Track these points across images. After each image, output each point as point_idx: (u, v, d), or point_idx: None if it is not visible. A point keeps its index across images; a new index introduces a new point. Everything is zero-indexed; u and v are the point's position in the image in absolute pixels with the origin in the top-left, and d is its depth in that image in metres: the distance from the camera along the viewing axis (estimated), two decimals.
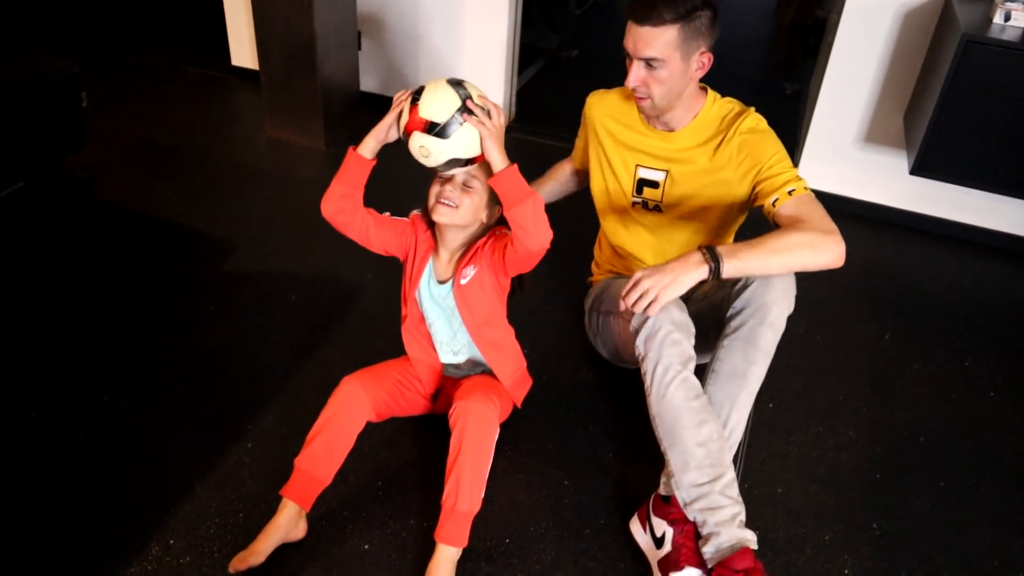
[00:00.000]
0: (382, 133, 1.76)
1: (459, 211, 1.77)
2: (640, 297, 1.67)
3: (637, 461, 2.03)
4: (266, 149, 3.49)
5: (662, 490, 1.80)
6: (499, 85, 3.62)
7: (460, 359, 1.98)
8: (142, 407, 2.13)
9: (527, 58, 4.20)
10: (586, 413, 2.18)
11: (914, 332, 2.60)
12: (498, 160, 1.66)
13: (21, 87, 2.23)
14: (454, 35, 3.57)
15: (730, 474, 1.69)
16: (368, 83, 3.81)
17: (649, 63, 1.84)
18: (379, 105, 3.79)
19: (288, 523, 1.74)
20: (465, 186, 1.77)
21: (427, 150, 1.67)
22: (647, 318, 1.72)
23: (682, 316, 1.75)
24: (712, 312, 1.90)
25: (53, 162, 2.49)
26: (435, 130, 1.64)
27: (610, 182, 2.13)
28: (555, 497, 1.93)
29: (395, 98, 1.74)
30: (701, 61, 1.87)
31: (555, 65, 4.60)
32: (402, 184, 2.43)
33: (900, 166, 3.09)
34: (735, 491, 1.68)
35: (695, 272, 1.66)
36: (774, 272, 1.74)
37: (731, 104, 2.02)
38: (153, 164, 3.31)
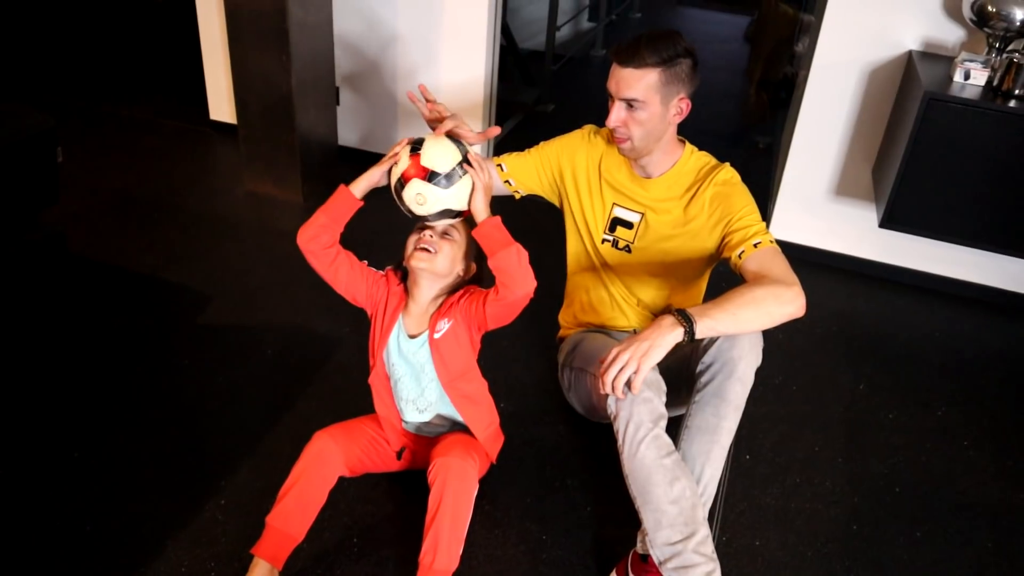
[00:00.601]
0: (375, 176, 1.80)
1: (437, 258, 1.78)
2: (621, 371, 1.65)
3: (615, 516, 2.02)
4: (243, 202, 3.50)
5: (639, 548, 1.79)
6: None
7: (426, 417, 1.96)
8: (113, 463, 2.09)
9: (504, 113, 4.26)
10: (563, 467, 2.17)
11: (888, 382, 2.63)
12: (483, 211, 1.72)
13: None
14: (432, 90, 3.60)
15: (704, 531, 1.68)
16: (346, 138, 3.84)
17: (630, 104, 1.89)
18: (357, 159, 3.83)
19: None
20: (445, 235, 1.80)
21: (424, 198, 1.70)
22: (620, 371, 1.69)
23: (653, 374, 1.75)
24: (680, 367, 1.91)
25: (27, 216, 2.49)
26: (436, 179, 1.69)
27: (587, 214, 2.14)
28: (533, 552, 1.92)
29: (393, 147, 1.79)
30: (680, 107, 1.93)
31: (532, 120, 4.67)
32: (380, 239, 2.44)
33: (870, 218, 3.15)
34: (710, 548, 1.68)
35: (670, 335, 1.66)
36: (745, 328, 1.75)
37: (707, 158, 2.07)
38: (129, 217, 3.31)
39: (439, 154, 1.71)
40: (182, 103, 4.42)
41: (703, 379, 1.81)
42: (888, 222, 2.68)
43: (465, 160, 1.73)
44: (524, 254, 1.71)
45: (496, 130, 1.97)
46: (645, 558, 1.76)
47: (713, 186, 1.99)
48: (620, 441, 1.73)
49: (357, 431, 1.93)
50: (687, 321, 1.66)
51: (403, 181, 1.71)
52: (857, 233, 3.23)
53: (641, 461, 1.70)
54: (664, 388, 1.77)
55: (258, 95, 3.33)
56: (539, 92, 4.87)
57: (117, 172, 3.67)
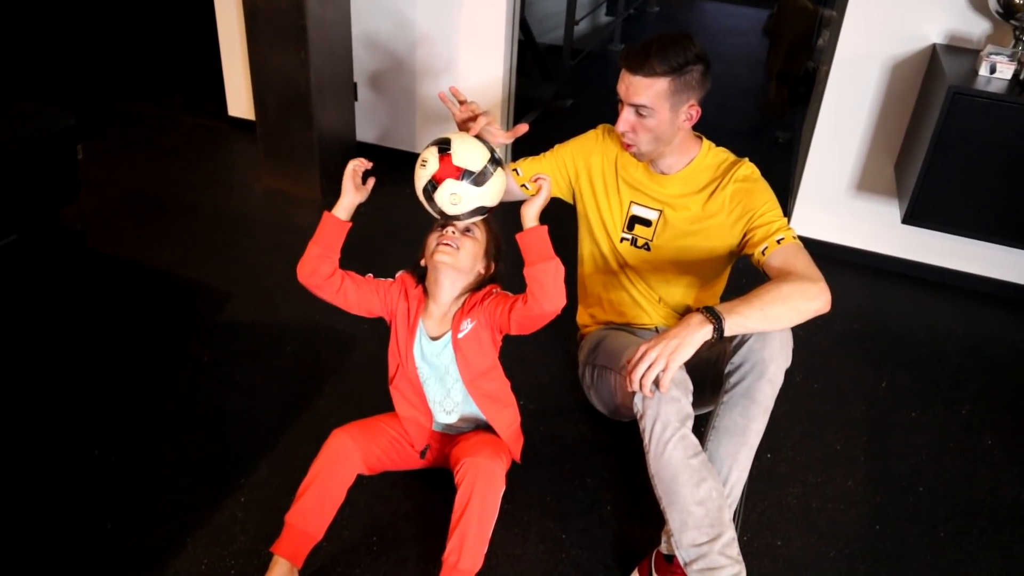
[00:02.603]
0: (351, 196, 1.81)
1: (460, 254, 1.78)
2: (649, 368, 1.63)
3: (636, 515, 2.01)
4: (262, 199, 3.51)
5: (663, 548, 1.78)
6: None
7: (452, 419, 1.96)
8: (133, 460, 2.10)
9: (522, 108, 4.25)
10: (583, 466, 2.16)
11: (910, 380, 2.60)
12: (533, 218, 1.74)
13: (17, 140, 2.24)
14: (450, 85, 3.60)
15: (730, 533, 1.67)
16: (364, 134, 3.84)
17: (639, 111, 1.87)
18: (375, 156, 3.80)
19: None
20: (467, 231, 1.80)
21: (458, 197, 1.70)
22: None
23: (680, 374, 1.73)
24: (707, 367, 1.89)
25: (48, 214, 2.50)
26: (471, 178, 1.69)
27: (604, 214, 2.13)
28: (553, 552, 1.91)
29: (351, 163, 1.80)
30: (689, 113, 1.91)
31: (550, 115, 4.65)
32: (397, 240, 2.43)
33: (892, 214, 3.12)
34: (735, 550, 1.66)
35: (699, 332, 1.64)
36: (774, 326, 1.73)
37: (725, 153, 2.05)
38: (148, 214, 3.32)
39: (470, 152, 1.71)
40: (200, 100, 4.44)
41: (732, 379, 1.79)
42: (911, 218, 2.65)
43: (494, 156, 1.74)
44: (562, 271, 1.72)
45: (524, 127, 1.97)
46: (670, 559, 1.75)
47: (733, 182, 1.97)
48: (646, 440, 1.71)
49: (376, 429, 1.93)
50: (716, 319, 1.64)
51: (435, 183, 1.70)
52: (879, 229, 3.19)
53: (668, 461, 1.69)
54: (691, 388, 1.76)
55: (276, 92, 3.33)
56: (557, 87, 4.85)
57: (135, 169, 3.69)
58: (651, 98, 1.85)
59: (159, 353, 2.50)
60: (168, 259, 2.99)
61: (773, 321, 1.71)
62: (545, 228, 1.73)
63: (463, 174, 1.69)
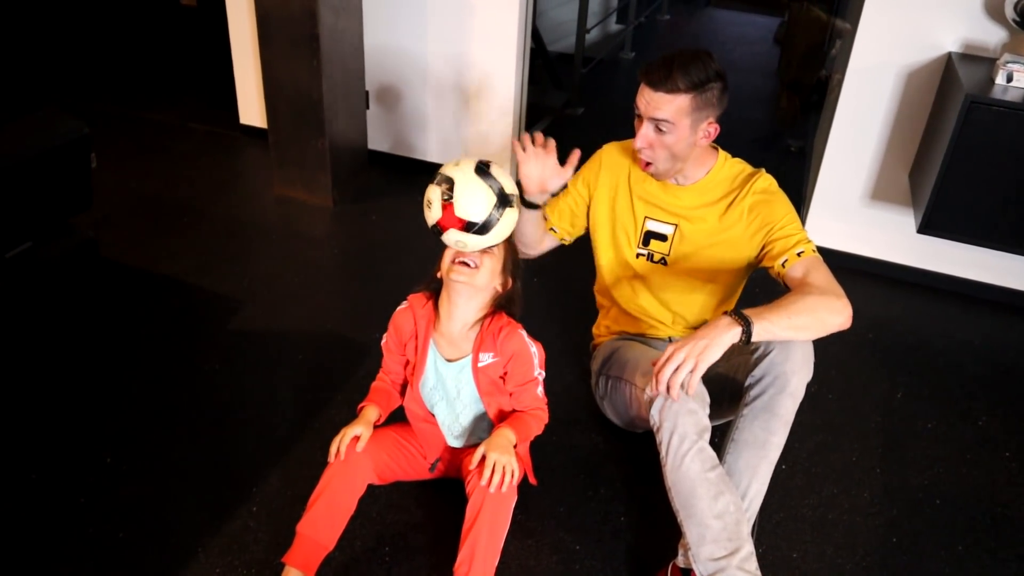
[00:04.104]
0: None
1: (479, 272, 1.74)
2: (677, 370, 1.61)
3: (651, 526, 2.00)
4: (273, 207, 3.51)
5: (680, 561, 1.77)
6: (506, 143, 3.65)
7: (460, 443, 1.96)
8: (145, 468, 2.10)
9: (533, 116, 4.25)
10: (597, 476, 2.14)
11: (926, 391, 2.57)
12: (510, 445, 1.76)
13: (31, 148, 2.25)
14: (462, 93, 3.61)
15: (748, 547, 1.65)
16: (376, 142, 3.84)
17: (659, 126, 1.86)
18: (387, 164, 3.83)
19: None
20: (485, 249, 1.75)
21: (464, 244, 1.68)
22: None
23: (698, 386, 1.71)
24: (724, 380, 1.89)
25: (61, 221, 2.50)
26: (474, 228, 1.65)
27: (619, 232, 2.12)
28: (566, 563, 1.89)
29: (334, 441, 1.79)
30: (708, 130, 1.89)
31: (561, 123, 4.64)
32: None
33: (907, 223, 3.10)
34: (753, 564, 1.65)
35: (728, 335, 1.62)
36: (799, 335, 1.71)
37: (741, 164, 2.04)
38: (160, 222, 3.33)
39: (474, 202, 1.65)
40: (212, 107, 4.45)
41: (753, 392, 1.78)
42: (926, 227, 2.63)
43: (503, 196, 1.67)
44: (533, 436, 1.86)
45: (576, 155, 2.01)
46: (687, 572, 1.73)
47: (752, 195, 1.96)
48: (663, 453, 1.70)
49: (386, 439, 1.91)
50: (744, 321, 1.63)
51: (440, 229, 1.68)
52: (893, 238, 3.17)
53: (685, 474, 1.67)
54: (708, 400, 1.75)
55: (288, 100, 3.33)
56: (568, 95, 4.85)
57: (147, 177, 3.69)
58: (672, 113, 1.83)
59: (171, 361, 2.50)
60: (180, 267, 2.99)
61: (798, 330, 1.70)
62: (517, 439, 1.77)
63: (466, 225, 1.65)
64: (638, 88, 1.88)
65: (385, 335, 1.91)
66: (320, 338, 2.64)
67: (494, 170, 1.70)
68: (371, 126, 3.75)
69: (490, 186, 1.66)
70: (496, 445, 1.71)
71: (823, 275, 1.80)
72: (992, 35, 2.73)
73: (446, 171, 1.69)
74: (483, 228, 1.65)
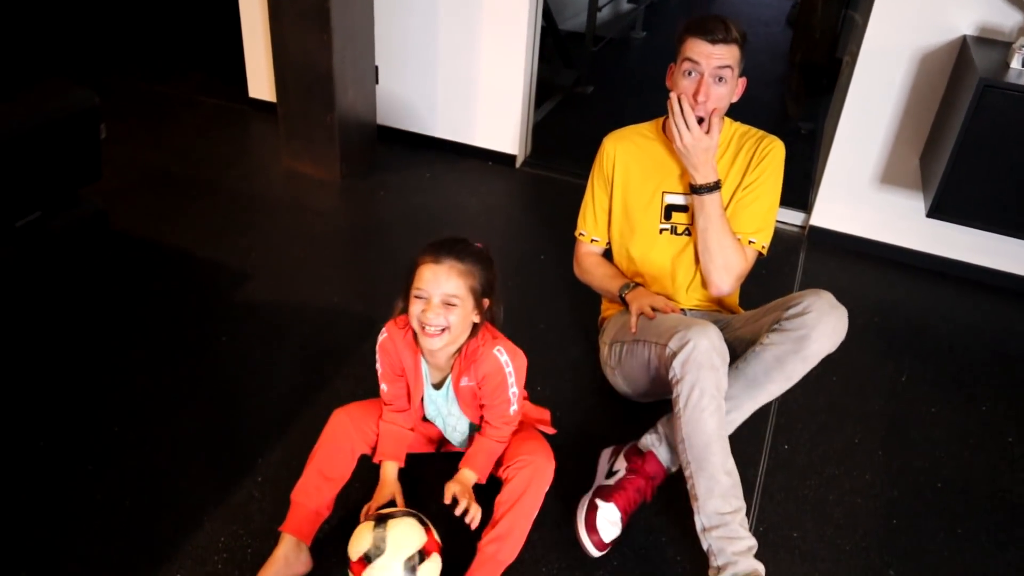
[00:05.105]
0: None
1: (450, 332, 1.67)
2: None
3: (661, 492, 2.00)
4: (282, 180, 3.51)
5: (640, 443, 1.97)
6: (516, 120, 3.64)
7: (464, 445, 1.98)
8: (152, 438, 2.12)
9: (543, 94, 4.23)
10: (600, 449, 2.15)
11: (930, 374, 2.57)
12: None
13: (40, 118, 2.24)
14: (472, 70, 3.59)
15: (744, 508, 1.75)
16: (385, 117, 3.83)
17: (720, 76, 1.94)
18: (396, 139, 3.83)
19: (287, 558, 1.73)
20: (447, 304, 1.65)
21: None
22: (687, 340, 1.74)
23: (721, 343, 1.78)
24: (745, 345, 1.95)
25: (70, 192, 2.51)
26: None
27: (639, 213, 2.17)
28: (570, 538, 1.90)
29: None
30: (741, 84, 2.02)
31: (571, 101, 4.63)
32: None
33: (916, 208, 3.08)
34: (747, 524, 1.75)
35: (709, 170, 2.01)
36: (711, 231, 2.02)
37: (752, 129, 2.15)
38: (168, 194, 3.33)
39: None
40: (222, 80, 4.44)
41: (773, 337, 1.84)
42: (936, 212, 2.62)
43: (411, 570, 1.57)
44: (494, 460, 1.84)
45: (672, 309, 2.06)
46: (641, 453, 1.93)
47: (760, 150, 2.07)
48: (682, 404, 1.75)
49: (376, 410, 1.91)
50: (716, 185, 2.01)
51: (348, 566, 1.60)
52: (902, 222, 3.16)
53: (702, 428, 1.74)
54: (728, 359, 1.80)
55: (297, 73, 3.33)
56: (578, 74, 4.82)
57: (155, 149, 3.70)
58: (733, 61, 1.93)
59: (178, 333, 2.51)
60: (188, 239, 3.00)
61: (712, 233, 2.03)
62: (470, 473, 1.78)
63: None
64: (683, 48, 1.95)
65: (378, 365, 1.86)
66: (326, 311, 2.65)
67: (424, 568, 1.59)
68: (380, 101, 3.74)
69: (403, 566, 1.57)
70: (463, 489, 1.74)
71: (748, 264, 2.11)
72: (1008, 18, 2.70)
73: (392, 532, 1.60)
74: None
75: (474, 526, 1.70)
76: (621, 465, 1.94)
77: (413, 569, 1.57)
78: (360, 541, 1.60)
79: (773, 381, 1.85)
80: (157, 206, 3.23)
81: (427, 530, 1.63)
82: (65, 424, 2.15)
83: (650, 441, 1.95)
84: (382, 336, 1.83)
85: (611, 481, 1.91)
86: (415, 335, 1.74)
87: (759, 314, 1.98)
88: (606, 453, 2.05)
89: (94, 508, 1.91)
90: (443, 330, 1.66)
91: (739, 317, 2.08)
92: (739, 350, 1.93)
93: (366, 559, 1.57)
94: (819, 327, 1.79)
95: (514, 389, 1.79)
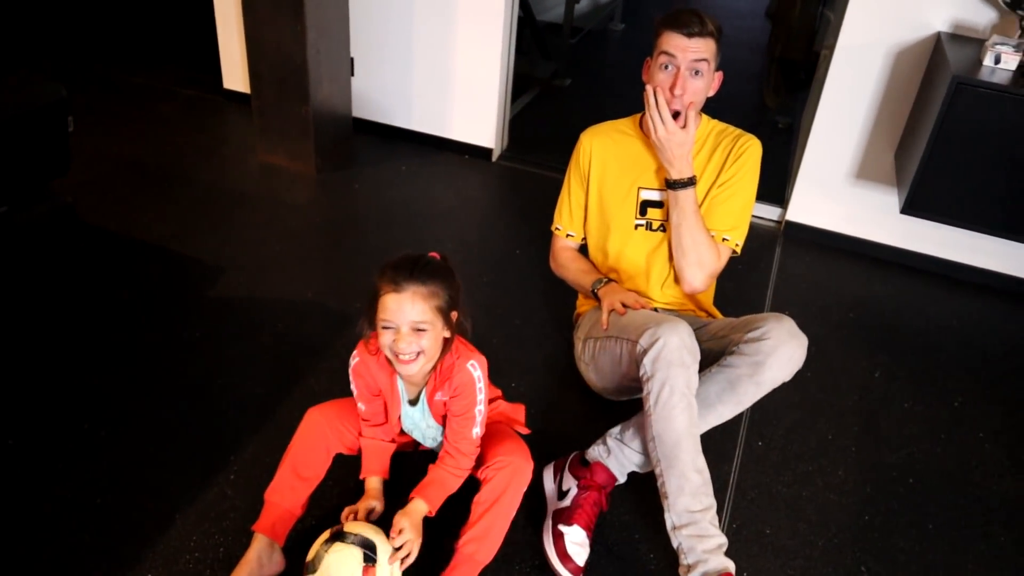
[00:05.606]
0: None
1: (425, 355, 1.66)
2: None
3: (626, 493, 2.01)
4: (256, 173, 3.47)
5: (587, 454, 1.95)
6: (492, 113, 3.63)
7: (438, 445, 1.95)
8: (123, 435, 2.09)
9: (520, 87, 4.21)
10: (574, 446, 2.15)
11: (904, 371, 2.59)
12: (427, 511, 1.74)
13: (6, 111, 2.20)
14: (448, 62, 3.57)
15: (715, 506, 1.75)
16: (361, 110, 3.80)
17: (697, 70, 1.94)
18: (372, 131, 3.80)
19: (260, 558, 1.71)
20: (417, 330, 1.63)
21: None
22: (657, 337, 1.74)
23: (691, 340, 1.77)
24: (715, 355, 1.94)
25: (38, 186, 2.47)
26: None
27: (615, 209, 2.17)
28: (541, 533, 1.90)
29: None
30: (718, 78, 2.02)
31: (548, 94, 4.61)
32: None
33: (891, 203, 3.10)
34: (717, 522, 1.74)
35: (683, 165, 2.01)
36: (684, 227, 2.03)
37: (731, 127, 2.14)
38: (141, 186, 3.29)
39: None
40: (195, 72, 4.39)
41: (730, 360, 1.85)
42: (910, 208, 2.63)
43: None
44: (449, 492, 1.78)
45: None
46: (586, 463, 1.92)
47: (736, 148, 2.07)
48: (651, 402, 1.75)
49: (352, 409, 1.88)
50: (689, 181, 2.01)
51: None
52: (877, 218, 3.18)
53: (672, 426, 1.74)
54: (699, 357, 1.79)
55: (272, 65, 3.29)
56: (556, 66, 4.81)
57: (129, 141, 3.65)
58: (709, 54, 1.94)
59: (150, 327, 2.48)
60: (160, 233, 2.96)
61: (687, 229, 2.03)
62: (429, 506, 1.73)
63: None
64: (659, 42, 1.96)
65: (352, 387, 1.83)
66: (301, 306, 2.62)
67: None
68: (356, 94, 3.72)
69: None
70: (411, 524, 1.67)
71: (722, 261, 2.11)
72: (982, 16, 2.72)
73: (331, 555, 1.60)
74: None
75: (406, 564, 1.65)
76: (570, 483, 1.91)
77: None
78: (312, 549, 1.64)
79: (724, 403, 1.85)
80: (129, 199, 3.19)
81: (367, 567, 1.59)
82: (34, 421, 2.12)
83: (597, 453, 1.93)
84: (354, 360, 1.80)
85: (567, 502, 1.88)
86: (389, 360, 1.73)
87: (726, 329, 1.97)
88: (548, 471, 2.01)
89: (64, 506, 1.89)
90: (418, 354, 1.64)
91: (709, 328, 2.05)
92: (701, 367, 1.88)
93: (305, 569, 1.62)
94: (775, 354, 1.80)
95: (481, 407, 1.77)
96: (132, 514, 1.88)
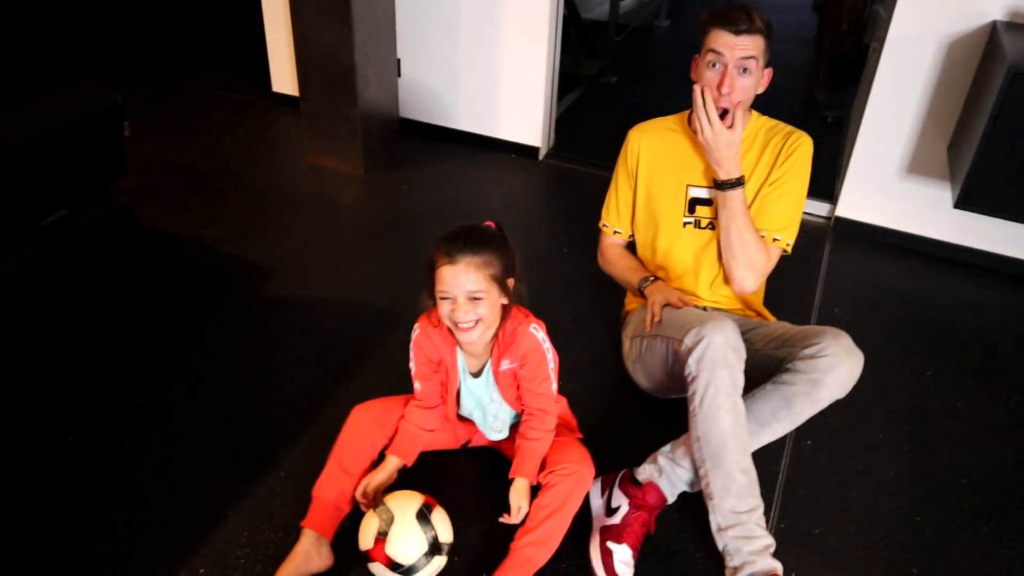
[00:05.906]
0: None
1: (484, 322, 1.69)
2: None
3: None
4: (305, 175, 3.53)
5: (638, 473, 1.89)
6: (538, 112, 3.63)
7: (504, 435, 1.99)
8: (176, 433, 2.14)
9: (566, 85, 4.21)
10: (622, 447, 2.14)
11: (956, 369, 2.54)
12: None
13: (65, 119, 2.27)
14: (494, 62, 3.58)
15: (762, 506, 1.73)
16: (408, 110, 3.84)
17: (745, 67, 1.91)
18: (419, 132, 3.83)
19: (308, 553, 1.75)
20: (473, 299, 1.66)
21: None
22: (702, 336, 1.73)
23: (737, 339, 1.76)
24: (766, 364, 1.92)
25: (95, 190, 2.54)
26: (400, 570, 1.64)
27: (662, 204, 2.16)
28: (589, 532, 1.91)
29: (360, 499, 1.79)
30: (767, 74, 1.99)
31: (594, 92, 4.60)
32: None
33: (944, 198, 3.03)
34: (764, 523, 1.73)
35: (731, 166, 1.98)
36: (733, 228, 2.00)
37: (780, 123, 2.11)
38: (192, 189, 3.36)
39: (406, 544, 1.64)
40: (245, 75, 4.46)
41: (785, 377, 1.83)
42: (964, 202, 2.57)
43: (434, 544, 1.66)
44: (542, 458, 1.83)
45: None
46: (637, 482, 1.88)
47: (787, 146, 2.04)
48: (697, 402, 1.74)
49: (397, 408, 1.91)
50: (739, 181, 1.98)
51: (368, 556, 1.67)
52: (929, 213, 3.11)
53: (718, 426, 1.72)
54: (744, 356, 1.77)
55: (320, 67, 3.34)
56: (602, 64, 4.79)
57: (180, 145, 3.73)
58: (758, 51, 1.91)
59: (202, 328, 2.54)
60: (212, 234, 3.03)
61: (735, 231, 2.01)
62: (529, 480, 1.78)
63: (392, 564, 1.64)
64: (707, 40, 1.93)
65: (412, 363, 1.86)
66: (350, 306, 2.66)
67: (435, 516, 1.70)
68: (403, 94, 3.75)
69: (425, 533, 1.66)
70: (524, 499, 1.75)
71: (772, 262, 2.09)
72: None
73: (391, 503, 1.69)
74: (408, 571, 1.64)
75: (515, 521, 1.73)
76: (620, 500, 1.88)
77: (426, 517, 1.66)
78: (368, 526, 1.68)
79: (780, 421, 1.83)
80: (182, 202, 3.26)
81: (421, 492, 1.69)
82: (92, 420, 2.18)
83: (649, 473, 1.89)
84: (415, 333, 1.84)
85: (616, 520, 1.85)
86: (450, 330, 1.77)
87: (780, 340, 1.94)
88: (596, 486, 1.97)
89: (119, 501, 1.94)
90: (477, 322, 1.68)
91: (760, 331, 2.03)
92: (752, 376, 1.86)
93: (381, 535, 1.64)
94: (833, 372, 1.78)
95: (552, 365, 1.81)
96: (185, 511, 1.93)
